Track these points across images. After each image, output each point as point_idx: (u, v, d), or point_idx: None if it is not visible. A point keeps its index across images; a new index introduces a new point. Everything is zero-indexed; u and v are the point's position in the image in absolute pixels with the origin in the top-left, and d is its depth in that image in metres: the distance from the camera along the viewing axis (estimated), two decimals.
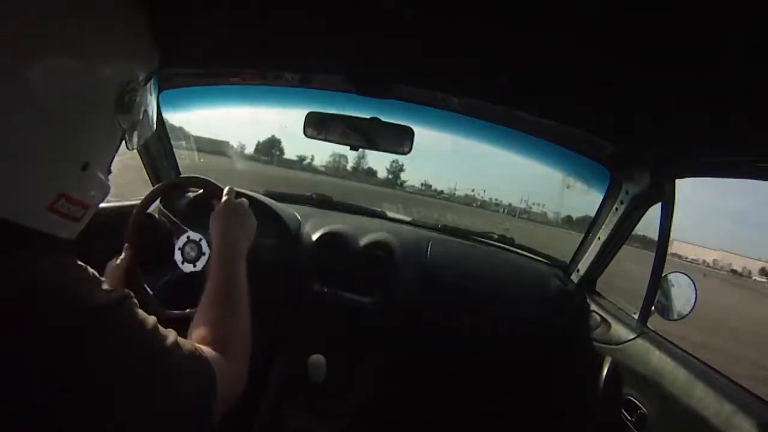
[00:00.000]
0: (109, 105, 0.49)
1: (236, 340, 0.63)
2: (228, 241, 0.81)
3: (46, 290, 0.41)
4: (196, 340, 0.58)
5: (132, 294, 0.49)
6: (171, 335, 0.50)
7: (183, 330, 0.79)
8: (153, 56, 0.57)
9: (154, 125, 0.66)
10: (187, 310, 1.01)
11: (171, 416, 0.47)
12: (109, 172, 0.56)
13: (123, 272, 1.03)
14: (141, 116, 0.57)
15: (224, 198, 0.93)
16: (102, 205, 0.55)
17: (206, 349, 0.55)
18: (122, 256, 1.05)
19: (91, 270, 0.48)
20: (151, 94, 0.59)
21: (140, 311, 0.49)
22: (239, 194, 1.13)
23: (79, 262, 0.48)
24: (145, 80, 0.55)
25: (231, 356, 0.59)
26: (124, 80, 0.50)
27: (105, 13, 0.48)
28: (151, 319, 0.49)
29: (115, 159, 0.56)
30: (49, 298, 0.41)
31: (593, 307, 1.47)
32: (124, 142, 0.57)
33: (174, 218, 1.22)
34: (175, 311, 1.06)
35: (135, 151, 0.64)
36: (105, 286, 0.47)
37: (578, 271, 1.54)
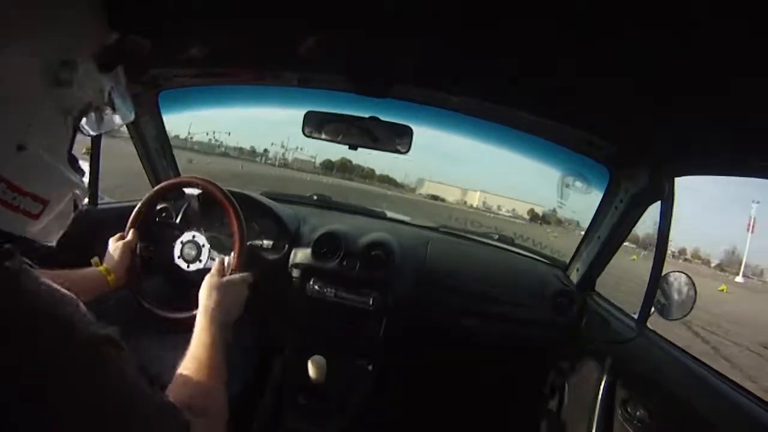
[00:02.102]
0: (40, 78, 0.45)
1: (214, 402, 0.65)
2: (219, 313, 0.82)
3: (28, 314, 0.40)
4: (176, 399, 0.57)
5: (116, 338, 0.48)
6: (149, 389, 0.50)
7: (179, 331, 0.79)
8: (99, 31, 0.52)
9: (128, 114, 0.63)
10: (184, 314, 1.02)
11: None
12: (80, 171, 0.53)
13: (126, 254, 1.05)
14: (97, 97, 0.53)
15: (214, 269, 0.93)
16: (102, 206, 0.55)
17: (184, 408, 0.54)
18: (126, 239, 1.07)
19: (78, 302, 0.46)
20: (105, 73, 0.54)
21: (122, 360, 0.48)
22: (240, 195, 1.14)
23: (64, 291, 0.46)
24: (90, 56, 0.51)
25: (208, 417, 0.59)
26: (55, 52, 0.46)
27: None
28: (132, 368, 0.48)
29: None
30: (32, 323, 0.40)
31: (593, 306, 1.47)
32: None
33: (174, 218, 1.22)
34: (172, 312, 1.06)
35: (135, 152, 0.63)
36: (94, 324, 0.46)
37: (578, 270, 1.54)
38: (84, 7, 0.50)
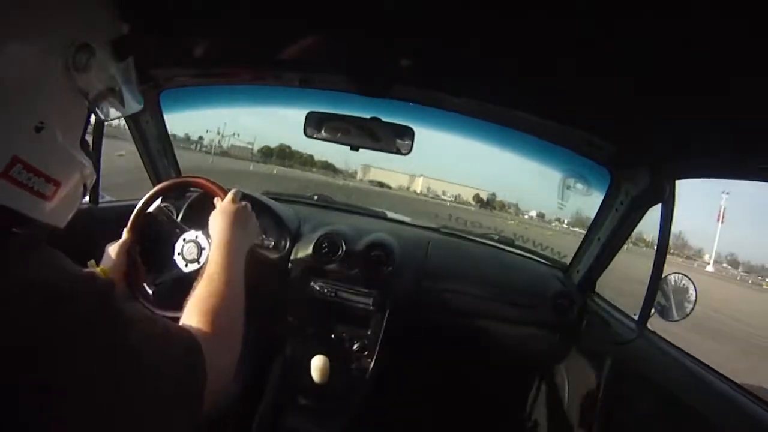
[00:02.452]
0: (58, 61, 0.47)
1: (227, 329, 0.64)
2: (228, 236, 0.82)
3: (33, 288, 0.41)
4: (188, 321, 0.59)
5: (114, 285, 0.49)
6: (159, 321, 0.51)
7: None
8: (112, 20, 0.55)
9: (135, 104, 0.64)
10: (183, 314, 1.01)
11: (159, 396, 0.47)
12: (90, 155, 0.54)
13: (122, 254, 1.05)
14: (110, 84, 0.55)
15: (228, 197, 0.94)
16: (102, 205, 0.55)
17: (196, 330, 0.56)
18: (121, 240, 1.07)
19: (74, 265, 0.47)
20: (118, 62, 0.56)
21: (126, 304, 0.48)
22: (240, 195, 1.13)
23: (62, 256, 0.47)
24: (105, 42, 0.53)
25: (221, 336, 0.60)
26: (73, 36, 0.48)
27: None
28: (137, 309, 0.49)
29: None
30: (37, 296, 0.41)
31: (593, 307, 1.46)
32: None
33: (174, 218, 1.22)
34: (173, 312, 1.06)
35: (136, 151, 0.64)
36: (89, 272, 0.47)
37: (578, 271, 1.54)
38: None
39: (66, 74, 0.48)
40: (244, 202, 0.95)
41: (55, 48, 0.47)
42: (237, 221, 0.88)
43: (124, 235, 1.09)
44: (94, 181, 0.59)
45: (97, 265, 1.03)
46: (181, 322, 0.63)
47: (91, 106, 0.54)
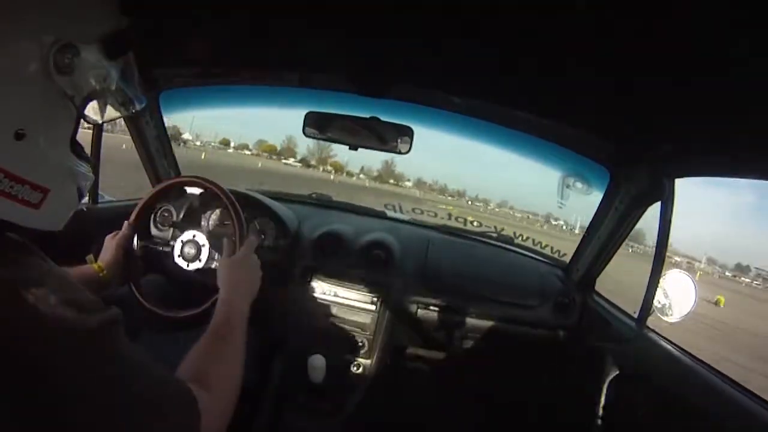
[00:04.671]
0: (37, 63, 0.44)
1: (225, 382, 0.63)
2: (238, 294, 0.83)
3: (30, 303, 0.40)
4: (187, 375, 0.57)
5: (120, 317, 0.48)
6: (158, 367, 0.49)
7: (177, 330, 0.80)
8: (104, 15, 0.51)
9: (137, 102, 0.61)
10: (184, 313, 1.02)
11: None
12: (85, 158, 0.52)
13: (121, 248, 1.05)
14: (101, 84, 0.52)
15: (244, 249, 0.94)
16: (102, 205, 0.55)
17: (193, 386, 0.54)
18: (121, 232, 1.07)
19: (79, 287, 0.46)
20: (110, 59, 0.52)
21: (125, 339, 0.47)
22: (240, 194, 1.14)
23: (65, 275, 0.45)
24: (93, 40, 0.49)
25: (217, 396, 0.58)
26: (52, 36, 0.44)
27: None
28: (139, 349, 0.48)
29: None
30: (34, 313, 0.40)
31: (593, 306, 1.47)
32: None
33: (174, 217, 1.22)
34: (172, 312, 1.06)
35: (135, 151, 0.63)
36: (98, 306, 0.46)
37: (578, 270, 1.54)
38: None
39: (47, 77, 0.45)
40: (238, 254, 0.94)
41: (35, 50, 0.43)
42: (248, 276, 0.89)
43: (125, 227, 1.08)
44: (92, 183, 0.57)
45: (96, 260, 1.03)
46: (183, 364, 0.62)
47: (79, 109, 0.50)
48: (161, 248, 1.17)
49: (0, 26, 0.41)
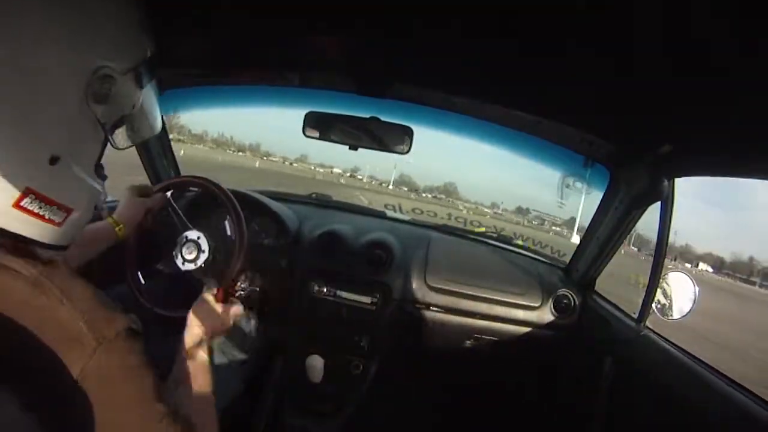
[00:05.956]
0: (77, 93, 0.45)
1: (207, 422, 0.63)
2: (204, 342, 0.77)
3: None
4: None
5: (135, 325, 0.49)
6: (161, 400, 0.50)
7: (173, 328, 0.79)
8: (138, 45, 0.53)
9: (157, 125, 0.63)
10: (181, 312, 1.01)
11: None
12: (103, 176, 0.53)
13: (141, 211, 1.05)
14: (129, 110, 0.54)
15: (233, 311, 0.87)
16: (109, 204, 0.55)
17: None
18: (154, 197, 1.08)
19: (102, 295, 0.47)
20: (141, 87, 0.54)
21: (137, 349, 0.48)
22: (240, 194, 1.13)
23: (87, 284, 0.47)
24: (128, 70, 0.51)
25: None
26: (93, 66, 0.46)
27: None
28: (146, 361, 0.49)
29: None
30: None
31: (593, 306, 1.47)
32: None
33: (173, 217, 1.22)
34: (170, 311, 1.06)
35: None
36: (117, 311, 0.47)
37: (578, 270, 1.54)
38: (129, 22, 0.51)
39: (84, 105, 0.47)
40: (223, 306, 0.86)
41: (75, 80, 0.45)
42: (213, 324, 0.82)
43: (159, 197, 1.09)
44: (105, 199, 0.58)
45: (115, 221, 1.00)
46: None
47: (108, 134, 0.52)
48: (160, 248, 1.17)
49: (42, 57, 0.42)
